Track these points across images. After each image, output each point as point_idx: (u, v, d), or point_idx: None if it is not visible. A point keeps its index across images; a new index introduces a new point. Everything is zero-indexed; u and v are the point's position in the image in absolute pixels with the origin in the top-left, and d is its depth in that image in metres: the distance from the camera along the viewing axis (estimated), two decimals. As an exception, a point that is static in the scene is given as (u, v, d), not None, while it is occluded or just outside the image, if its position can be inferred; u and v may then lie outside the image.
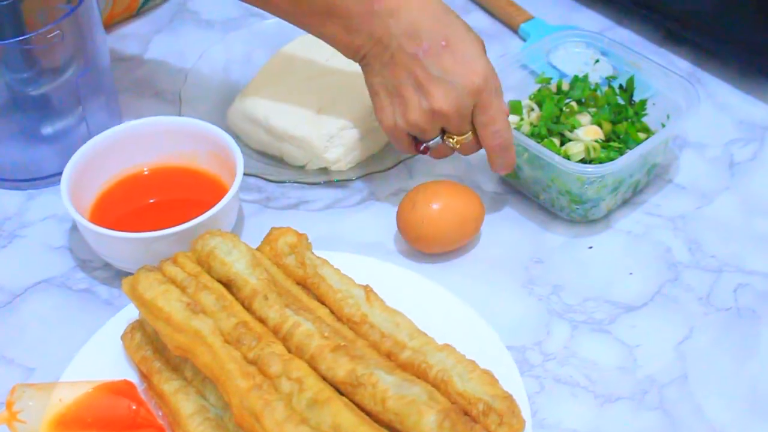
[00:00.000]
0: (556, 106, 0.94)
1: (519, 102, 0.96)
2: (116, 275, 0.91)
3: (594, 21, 1.15)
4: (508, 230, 0.94)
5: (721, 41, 1.06)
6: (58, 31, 0.92)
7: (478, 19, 1.16)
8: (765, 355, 0.84)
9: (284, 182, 0.94)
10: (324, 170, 0.97)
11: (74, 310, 0.89)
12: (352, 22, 0.86)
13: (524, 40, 1.13)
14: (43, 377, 0.83)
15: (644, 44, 1.12)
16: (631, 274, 0.90)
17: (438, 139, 0.90)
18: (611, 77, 0.98)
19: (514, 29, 1.14)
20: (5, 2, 0.93)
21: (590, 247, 0.92)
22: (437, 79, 0.86)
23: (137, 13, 1.16)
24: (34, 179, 0.99)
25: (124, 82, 1.09)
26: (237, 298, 0.80)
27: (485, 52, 0.89)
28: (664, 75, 0.95)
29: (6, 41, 0.93)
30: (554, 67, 1.02)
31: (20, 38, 0.92)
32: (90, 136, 0.98)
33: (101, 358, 0.82)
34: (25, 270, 0.92)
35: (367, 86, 0.90)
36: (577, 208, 0.91)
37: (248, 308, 0.79)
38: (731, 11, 1.04)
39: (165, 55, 1.12)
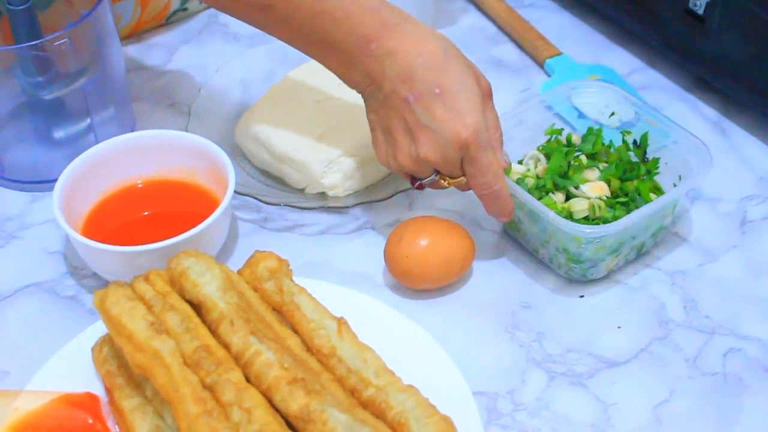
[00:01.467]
0: (565, 159, 0.92)
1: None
2: (103, 285, 0.90)
3: (624, 61, 1.12)
4: (500, 271, 0.92)
5: (751, 92, 1.02)
6: (66, 39, 0.92)
7: (507, 51, 1.14)
8: (746, 427, 0.80)
9: (279, 205, 0.94)
10: (322, 195, 0.96)
11: (58, 316, 0.90)
12: (350, 59, 0.86)
13: (549, 75, 1.10)
14: (16, 381, 0.83)
15: (673, 89, 1.09)
16: (619, 327, 0.87)
17: (432, 177, 0.88)
18: (626, 132, 0.95)
19: (540, 64, 1.11)
20: (21, 7, 0.94)
21: (581, 296, 0.89)
22: (425, 127, 0.84)
23: (166, 22, 1.17)
24: (41, 182, 1.00)
25: (143, 91, 1.10)
26: (204, 321, 0.80)
27: (489, 98, 0.87)
28: (680, 133, 0.92)
29: (12, 47, 0.95)
30: (576, 109, 0.99)
31: (28, 44, 0.93)
32: (96, 140, 0.99)
33: (71, 367, 0.82)
34: (17, 272, 0.93)
35: (367, 119, 0.89)
36: (575, 267, 0.88)
37: (214, 332, 0.79)
38: (763, 62, 1.00)
39: (187, 67, 1.12)
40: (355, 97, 0.98)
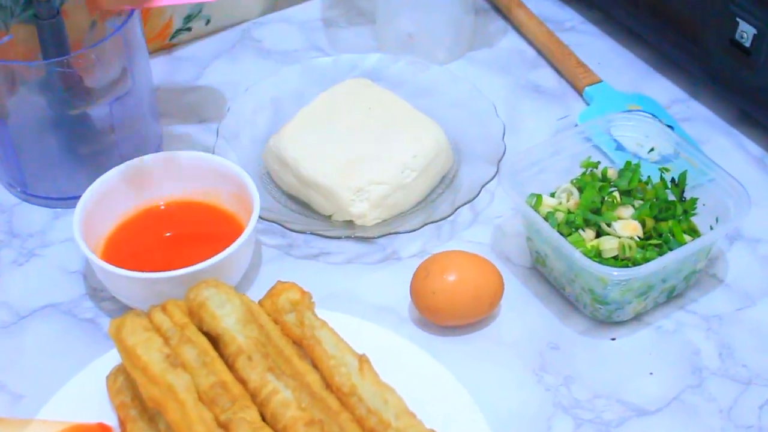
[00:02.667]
0: (598, 195, 0.89)
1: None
2: (123, 309, 0.89)
3: (666, 91, 1.09)
4: (529, 308, 0.89)
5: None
6: (94, 55, 0.91)
7: (545, 77, 1.11)
8: (780, 485, 0.77)
9: (304, 233, 0.91)
10: (349, 223, 0.93)
11: (75, 339, 0.88)
12: None
13: (588, 103, 1.07)
14: (30, 406, 0.81)
15: (716, 122, 1.05)
16: (651, 374, 0.84)
17: None
18: (664, 169, 0.92)
19: (579, 91, 1.08)
20: (47, 20, 0.93)
21: (613, 339, 0.86)
22: None
23: (170, 42, 1.14)
24: (64, 198, 0.98)
25: (171, 106, 1.08)
26: (222, 355, 0.78)
27: None
28: (719, 173, 0.89)
29: (40, 62, 0.93)
30: (615, 140, 0.96)
31: (52, 60, 0.91)
32: (122, 161, 0.97)
33: (86, 396, 0.80)
34: (36, 291, 0.91)
35: None
36: (601, 308, 0.85)
37: (231, 366, 0.77)
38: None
39: (218, 83, 1.10)
40: (386, 123, 0.96)
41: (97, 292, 0.91)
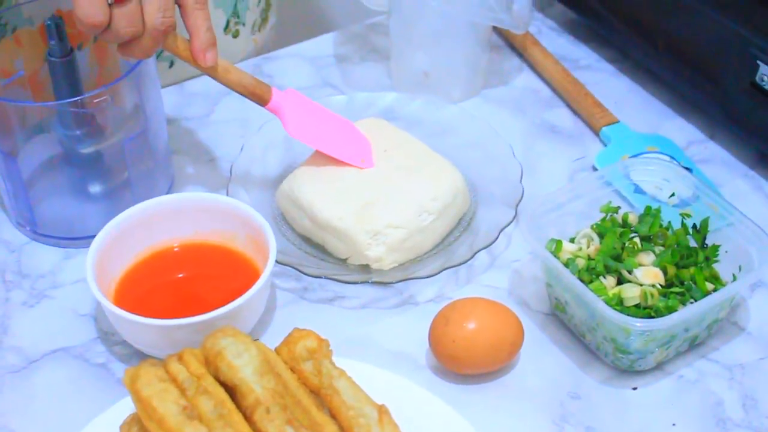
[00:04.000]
0: (619, 241, 0.88)
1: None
2: (135, 353, 0.88)
3: (684, 131, 1.08)
4: (548, 356, 0.87)
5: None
6: (107, 96, 0.89)
7: (561, 116, 1.10)
8: None
9: (320, 277, 0.90)
10: (365, 267, 0.92)
11: (87, 385, 0.86)
12: None
13: (605, 144, 1.06)
14: (41, 456, 0.80)
15: (734, 164, 1.04)
16: (674, 425, 0.83)
17: None
18: (685, 214, 0.90)
19: (596, 131, 1.07)
20: (60, 59, 0.91)
21: (634, 388, 0.85)
22: None
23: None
24: (75, 238, 0.97)
25: (184, 143, 1.06)
26: (239, 406, 0.76)
27: None
28: (739, 218, 0.88)
29: (53, 103, 0.92)
30: (634, 184, 0.95)
31: (68, 101, 0.90)
32: (134, 200, 0.95)
33: (98, 444, 0.79)
34: (46, 335, 0.89)
35: None
36: (623, 357, 0.84)
37: (249, 418, 0.75)
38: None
39: (229, 120, 1.09)
40: (402, 165, 0.95)
41: (108, 336, 0.89)
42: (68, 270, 0.95)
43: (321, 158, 0.96)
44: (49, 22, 0.91)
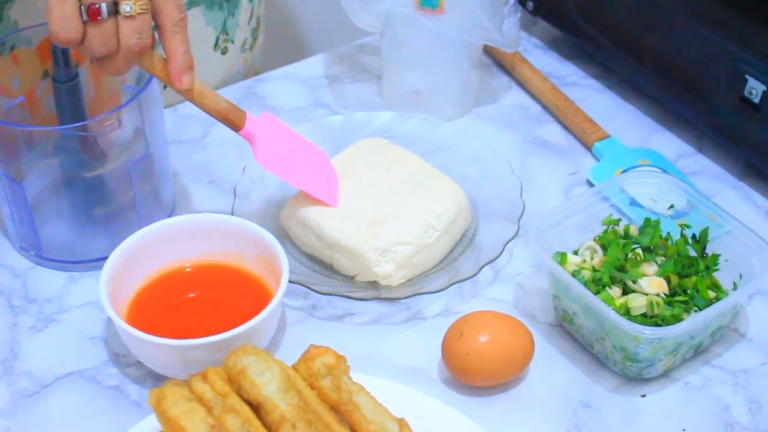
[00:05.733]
0: (622, 252, 0.90)
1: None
2: (148, 374, 0.88)
3: (672, 145, 1.10)
4: (557, 366, 0.89)
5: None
6: (114, 120, 0.90)
7: (552, 132, 1.12)
8: None
9: (331, 294, 0.91)
10: (374, 283, 0.93)
11: (102, 407, 0.86)
12: None
13: (597, 159, 1.08)
14: (59, 481, 0.80)
15: (723, 175, 1.07)
16: (684, 430, 0.85)
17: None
18: (684, 225, 0.93)
19: (588, 146, 1.09)
20: (66, 83, 0.92)
21: (643, 396, 0.87)
22: None
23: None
24: (79, 262, 0.97)
25: (182, 165, 1.07)
26: (264, 423, 0.77)
27: None
28: (740, 230, 0.90)
29: (58, 128, 0.92)
30: (631, 198, 0.97)
31: (76, 125, 0.90)
32: (139, 222, 0.96)
33: (119, 468, 0.79)
34: (57, 358, 0.89)
35: None
36: (632, 366, 0.86)
37: (274, 435, 0.76)
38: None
39: (226, 141, 1.09)
40: (406, 182, 0.96)
41: (120, 358, 0.90)
42: (74, 293, 0.95)
43: (325, 177, 0.97)
44: (54, 47, 0.91)
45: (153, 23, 0.84)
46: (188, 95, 0.89)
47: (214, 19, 1.15)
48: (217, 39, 1.16)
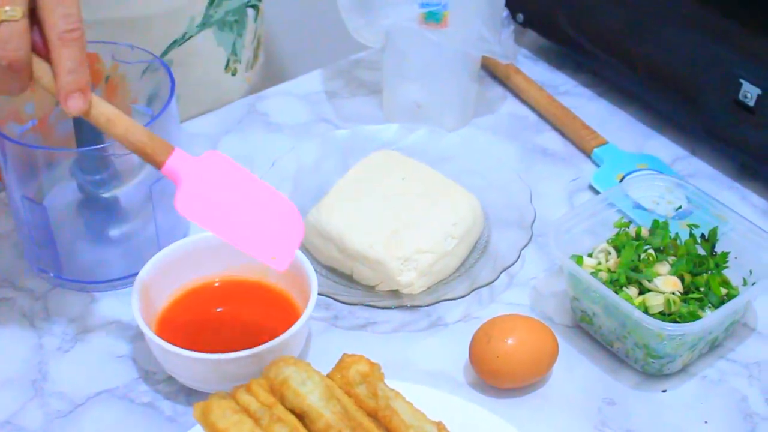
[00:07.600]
0: (635, 253, 0.93)
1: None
2: (180, 390, 0.89)
3: (667, 149, 1.14)
4: (579, 366, 0.92)
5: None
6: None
7: (551, 140, 1.15)
8: None
9: (355, 305, 0.93)
10: (395, 292, 0.95)
11: (136, 425, 0.87)
12: None
13: (597, 165, 1.11)
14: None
15: (719, 177, 1.10)
16: (706, 422, 0.88)
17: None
18: (692, 225, 0.96)
19: (587, 153, 1.12)
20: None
21: (664, 391, 0.90)
22: None
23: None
24: (99, 282, 0.97)
25: (193, 184, 1.08)
26: (310, 431, 0.78)
27: None
28: (750, 229, 0.94)
29: (77, 149, 0.92)
30: (634, 201, 1.00)
31: (96, 147, 0.91)
32: (158, 240, 0.97)
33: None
34: (87, 378, 0.90)
35: None
36: (653, 362, 0.89)
37: (321, 443, 0.77)
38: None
39: (238, 158, 1.10)
40: (421, 193, 0.98)
41: (150, 375, 0.90)
42: (96, 313, 0.96)
43: (343, 191, 0.99)
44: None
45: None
46: (93, 121, 0.79)
47: (224, 40, 1.16)
48: (228, 60, 1.17)
